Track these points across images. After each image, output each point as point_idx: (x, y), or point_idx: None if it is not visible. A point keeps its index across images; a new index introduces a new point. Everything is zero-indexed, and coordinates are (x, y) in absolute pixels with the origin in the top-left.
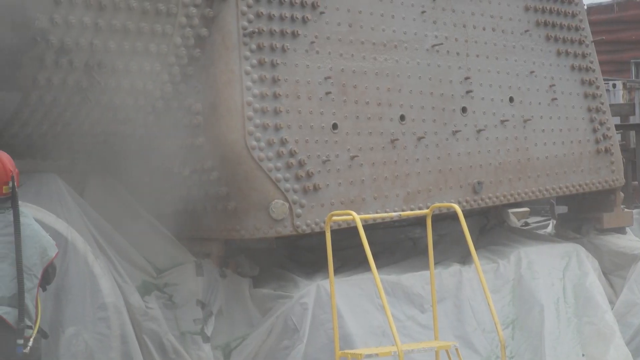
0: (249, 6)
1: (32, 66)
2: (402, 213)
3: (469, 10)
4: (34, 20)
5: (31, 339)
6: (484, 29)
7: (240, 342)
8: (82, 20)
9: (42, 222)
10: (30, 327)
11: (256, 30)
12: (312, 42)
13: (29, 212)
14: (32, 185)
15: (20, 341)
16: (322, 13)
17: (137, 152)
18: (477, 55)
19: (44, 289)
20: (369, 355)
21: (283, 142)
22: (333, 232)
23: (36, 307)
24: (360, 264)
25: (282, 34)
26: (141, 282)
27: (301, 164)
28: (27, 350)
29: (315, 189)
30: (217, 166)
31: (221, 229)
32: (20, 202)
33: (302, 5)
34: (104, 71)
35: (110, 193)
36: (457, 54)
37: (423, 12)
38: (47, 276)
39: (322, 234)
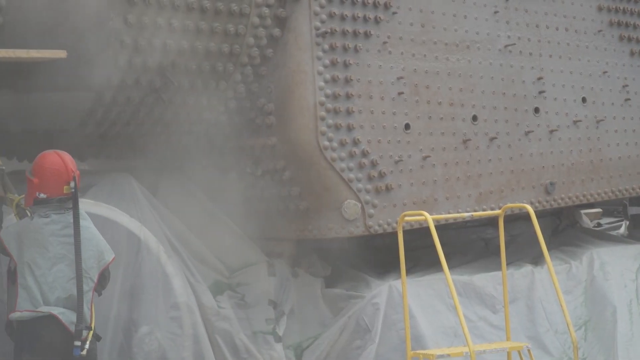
0: (321, 6)
1: (106, 66)
2: (474, 213)
3: (542, 10)
4: (108, 20)
5: (87, 342)
6: (557, 29)
7: (312, 342)
8: (156, 20)
9: (115, 221)
10: (88, 330)
11: (329, 30)
12: (385, 43)
13: (87, 215)
14: (106, 184)
15: (78, 343)
16: (394, 13)
17: (210, 152)
18: (550, 56)
19: (99, 294)
20: (441, 356)
21: (355, 143)
22: (405, 232)
23: (91, 310)
24: (432, 264)
25: (355, 34)
26: (213, 282)
27: (373, 164)
28: (84, 352)
29: (388, 189)
30: (289, 166)
31: (293, 229)
32: (84, 201)
33: (375, 5)
34: (177, 71)
35: (183, 193)
36: (530, 54)
37: (496, 12)
38: (103, 280)
39: (394, 234)
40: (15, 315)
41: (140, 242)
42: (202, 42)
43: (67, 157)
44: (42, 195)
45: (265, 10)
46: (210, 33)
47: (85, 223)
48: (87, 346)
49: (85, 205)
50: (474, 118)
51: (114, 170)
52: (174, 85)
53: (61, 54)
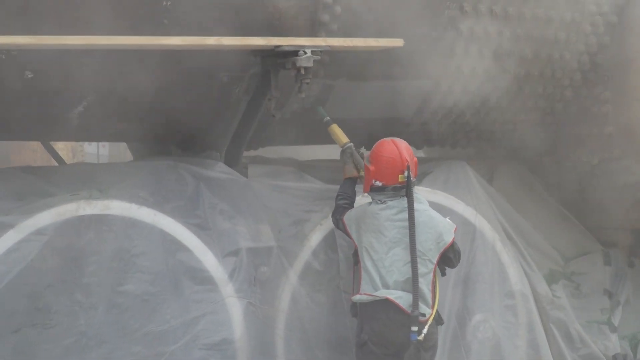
0: None
1: (442, 54)
2: None
3: None
4: (445, 9)
5: (426, 326)
6: None
7: None
8: (492, 8)
9: (450, 209)
10: (424, 315)
11: None
12: None
13: (424, 199)
14: (442, 172)
15: (415, 328)
16: None
17: (545, 140)
18: None
19: (443, 274)
20: None
21: None
22: None
23: (433, 292)
24: None
25: None
26: (548, 271)
27: None
28: (421, 337)
29: None
30: (625, 155)
31: (629, 219)
32: (418, 188)
33: None
34: (512, 59)
35: (518, 180)
36: None
37: None
38: (447, 261)
39: None
40: (356, 297)
41: (475, 230)
42: (538, 29)
43: (403, 145)
44: (378, 183)
45: None
46: (547, 21)
47: (422, 206)
48: (425, 330)
49: (421, 193)
50: None
51: (449, 158)
52: (510, 74)
53: (398, 42)
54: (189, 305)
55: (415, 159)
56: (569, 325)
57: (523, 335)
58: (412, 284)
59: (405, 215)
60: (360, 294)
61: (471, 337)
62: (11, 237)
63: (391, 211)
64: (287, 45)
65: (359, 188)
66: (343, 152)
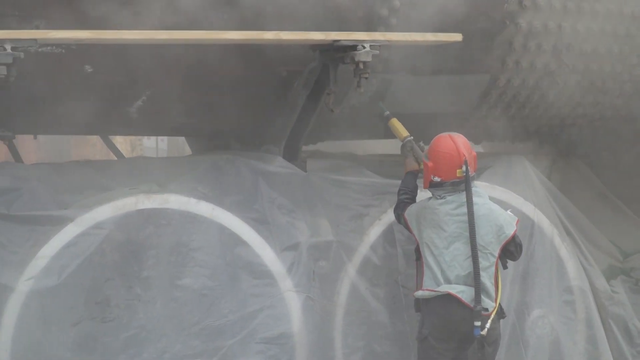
0: None
1: (501, 49)
2: None
3: None
4: (503, 3)
5: (489, 320)
6: None
7: None
8: (551, 3)
9: (509, 204)
10: (486, 310)
11: None
12: None
13: (484, 192)
14: (500, 167)
15: (478, 323)
16: None
17: (605, 135)
18: None
19: (504, 267)
20: None
21: None
22: None
23: (495, 285)
24: None
25: None
26: (607, 266)
27: None
28: (484, 332)
29: None
30: None
31: None
32: (477, 183)
33: None
34: (572, 54)
35: (577, 175)
36: None
37: None
38: (508, 254)
39: None
40: (419, 293)
41: (533, 225)
42: (597, 24)
43: (461, 140)
44: (437, 179)
45: None
46: (606, 15)
47: (481, 200)
48: (488, 325)
49: (480, 187)
50: None
51: (508, 152)
52: (569, 68)
53: (457, 37)
54: (247, 300)
55: (474, 153)
56: (627, 321)
57: (582, 331)
58: (474, 278)
59: (464, 209)
60: (423, 290)
61: (530, 333)
62: (70, 231)
63: (450, 206)
64: (345, 40)
65: (420, 181)
66: (403, 146)
